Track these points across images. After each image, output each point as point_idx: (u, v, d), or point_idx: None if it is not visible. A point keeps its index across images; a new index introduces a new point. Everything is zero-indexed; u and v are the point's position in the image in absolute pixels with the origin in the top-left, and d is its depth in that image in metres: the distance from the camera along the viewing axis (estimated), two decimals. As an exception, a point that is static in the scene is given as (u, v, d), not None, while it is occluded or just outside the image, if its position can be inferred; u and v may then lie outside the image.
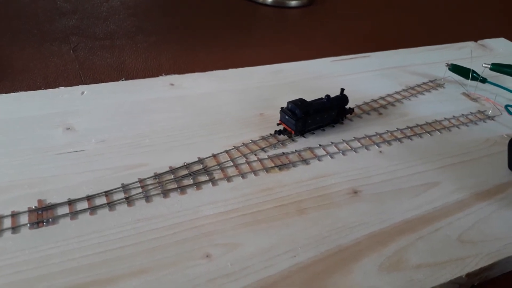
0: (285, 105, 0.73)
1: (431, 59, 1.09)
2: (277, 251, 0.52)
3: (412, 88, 0.94)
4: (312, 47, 1.21)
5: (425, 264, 0.52)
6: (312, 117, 0.72)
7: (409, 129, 0.79)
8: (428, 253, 0.54)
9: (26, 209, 0.54)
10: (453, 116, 0.84)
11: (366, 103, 0.86)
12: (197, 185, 0.61)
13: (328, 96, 0.74)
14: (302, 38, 1.28)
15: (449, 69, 0.97)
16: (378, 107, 0.85)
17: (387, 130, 0.78)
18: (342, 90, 0.77)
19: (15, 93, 0.79)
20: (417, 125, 0.80)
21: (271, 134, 0.73)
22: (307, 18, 1.47)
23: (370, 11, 1.60)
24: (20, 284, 0.45)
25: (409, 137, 0.77)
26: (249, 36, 1.26)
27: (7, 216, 0.53)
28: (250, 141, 0.71)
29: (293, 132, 0.72)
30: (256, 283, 0.47)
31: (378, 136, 0.76)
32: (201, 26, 1.30)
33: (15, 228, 0.51)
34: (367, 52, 1.10)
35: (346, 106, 0.77)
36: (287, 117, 0.72)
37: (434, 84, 0.97)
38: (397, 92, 0.91)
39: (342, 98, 0.76)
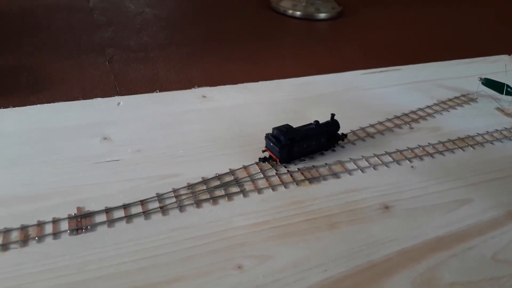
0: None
1: (464, 73, 1.07)
2: (308, 265, 0.52)
3: (444, 102, 0.93)
4: (341, 60, 1.22)
5: (459, 283, 0.51)
6: (299, 144, 0.67)
7: (441, 144, 0.78)
8: (461, 272, 0.53)
9: (66, 216, 0.56)
10: (487, 131, 0.83)
11: (397, 117, 0.85)
12: (229, 196, 0.62)
13: (317, 121, 0.70)
14: (331, 50, 1.29)
15: (482, 83, 0.95)
16: (409, 121, 0.84)
17: (418, 145, 0.77)
18: (333, 115, 0.72)
19: (55, 103, 0.82)
20: (450, 140, 0.79)
21: (256, 163, 0.69)
22: (336, 31, 1.48)
23: (400, 23, 1.59)
24: (62, 287, 0.47)
25: (441, 152, 0.76)
26: (278, 48, 1.28)
27: (48, 222, 0.55)
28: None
29: (277, 160, 0.68)
30: (288, 296, 0.48)
31: (409, 150, 0.75)
32: (231, 39, 1.33)
33: (56, 234, 0.53)
34: (398, 65, 1.10)
35: (338, 132, 0.73)
36: (271, 144, 0.67)
37: (467, 99, 0.95)
38: (428, 106, 0.91)
39: (333, 123, 0.71)
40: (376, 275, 0.51)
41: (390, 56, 1.26)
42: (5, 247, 0.51)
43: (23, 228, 0.54)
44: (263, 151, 0.70)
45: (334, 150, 0.73)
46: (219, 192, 0.63)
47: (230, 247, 0.54)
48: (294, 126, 0.69)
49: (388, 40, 1.40)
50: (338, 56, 1.25)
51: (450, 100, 0.94)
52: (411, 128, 0.83)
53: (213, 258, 0.52)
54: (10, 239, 0.52)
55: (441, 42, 1.42)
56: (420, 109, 0.89)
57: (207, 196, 0.62)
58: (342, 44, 1.35)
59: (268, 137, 0.68)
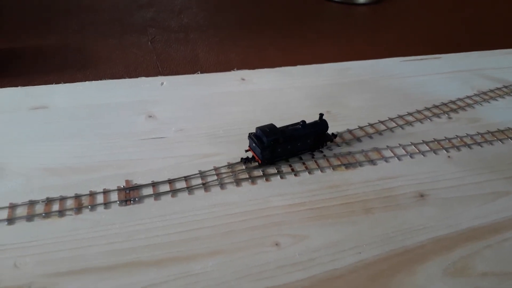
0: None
1: (506, 63, 1.05)
2: (343, 247, 0.54)
3: (485, 93, 0.92)
4: (380, 45, 1.21)
5: (492, 273, 0.52)
6: (282, 145, 0.64)
7: (480, 136, 0.77)
8: (495, 262, 0.54)
9: (116, 188, 0.60)
10: (529, 124, 0.82)
11: (436, 106, 0.85)
12: (267, 177, 0.64)
13: (304, 122, 0.66)
14: (370, 35, 1.28)
15: (526, 75, 0.93)
16: (448, 111, 0.84)
17: (456, 135, 0.77)
18: (321, 115, 0.68)
19: (102, 80, 0.86)
20: (488, 132, 0.78)
21: (240, 161, 0.66)
22: (375, 15, 1.46)
23: (442, 9, 1.55)
24: (113, 253, 0.51)
25: (479, 144, 0.75)
26: (316, 32, 1.28)
27: (99, 192, 0.59)
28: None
29: (259, 161, 0.65)
30: (323, 274, 0.50)
31: (447, 140, 0.75)
32: (269, 22, 1.33)
33: (106, 204, 0.57)
34: (438, 54, 1.08)
35: (327, 132, 0.69)
36: (254, 144, 0.64)
37: (509, 90, 0.93)
38: (468, 97, 0.90)
39: (321, 124, 0.68)
40: (409, 261, 0.53)
41: (430, 44, 1.24)
42: (61, 213, 0.56)
43: (77, 197, 0.58)
44: (246, 151, 0.66)
45: (322, 151, 0.70)
46: (257, 173, 0.65)
47: (268, 225, 0.56)
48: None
49: (428, 27, 1.37)
50: (377, 42, 1.24)
51: (491, 91, 0.93)
52: (450, 118, 0.82)
53: (251, 235, 0.55)
54: (65, 207, 0.57)
55: (484, 30, 1.38)
56: (460, 99, 0.88)
57: (246, 175, 0.64)
58: (381, 30, 1.33)
59: (250, 136, 0.64)
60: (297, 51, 1.14)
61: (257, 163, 0.66)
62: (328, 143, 0.71)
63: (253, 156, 0.65)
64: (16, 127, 0.72)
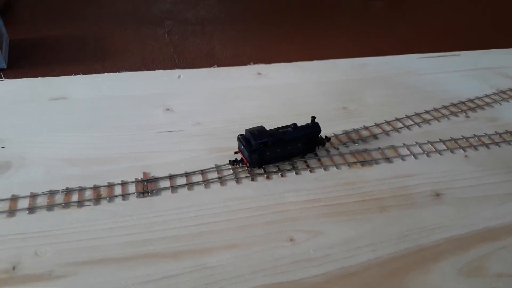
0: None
1: (528, 62, 1.03)
2: (357, 244, 0.54)
3: (504, 92, 0.90)
4: (397, 41, 1.20)
5: (507, 274, 0.52)
6: (271, 149, 0.62)
7: (498, 135, 0.76)
8: (511, 263, 0.53)
9: (134, 180, 0.61)
10: (548, 125, 0.80)
11: (453, 105, 0.84)
12: (282, 172, 0.65)
13: (295, 124, 0.64)
14: (388, 30, 1.27)
15: (548, 74, 0.91)
16: (466, 110, 0.83)
17: (474, 135, 0.76)
18: (313, 118, 0.65)
19: (121, 72, 0.87)
20: (507, 132, 0.77)
21: (228, 162, 0.64)
22: (393, 10, 1.44)
23: (462, 5, 1.53)
24: (130, 244, 0.52)
25: (497, 144, 0.75)
26: (332, 26, 1.27)
27: (117, 184, 0.60)
28: (332, 135, 0.73)
29: (247, 164, 0.63)
30: (337, 271, 0.50)
31: (464, 139, 0.75)
32: (285, 15, 1.33)
33: (124, 196, 0.58)
34: (457, 50, 1.07)
35: (320, 136, 0.67)
36: (242, 147, 0.62)
37: (529, 89, 0.92)
38: (487, 95, 0.88)
39: (313, 126, 0.65)
40: (424, 259, 0.53)
41: (448, 40, 1.22)
42: (80, 204, 0.57)
43: (96, 188, 0.59)
44: (235, 153, 0.65)
45: (317, 154, 0.68)
46: (273, 168, 0.65)
47: (283, 220, 0.57)
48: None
49: (447, 23, 1.36)
50: (395, 37, 1.23)
51: (510, 90, 0.91)
52: (467, 116, 0.82)
53: (267, 229, 0.55)
54: (84, 197, 0.58)
55: (506, 27, 1.36)
56: (478, 98, 0.87)
57: (261, 170, 0.64)
58: (399, 25, 1.32)
59: (239, 139, 0.62)
60: (314, 46, 1.14)
61: (245, 166, 0.64)
62: (336, 144, 0.71)
63: (241, 158, 0.64)
64: (36, 117, 0.73)
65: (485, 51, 1.08)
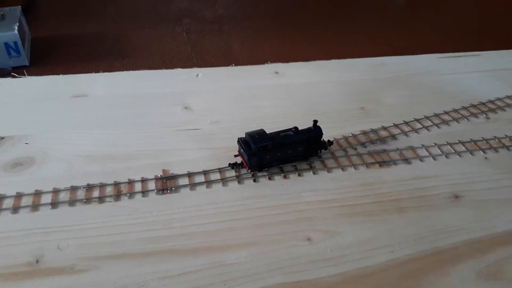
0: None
1: (551, 63, 1.01)
2: (374, 245, 0.54)
3: (526, 93, 0.89)
4: (416, 40, 1.18)
5: (527, 279, 0.51)
6: (271, 152, 0.61)
7: (519, 137, 0.75)
8: (531, 268, 0.53)
9: (153, 177, 0.62)
10: None
11: (473, 106, 0.83)
12: (299, 172, 0.65)
13: (296, 128, 0.63)
14: (406, 29, 1.25)
15: None
16: (486, 111, 0.82)
17: (494, 136, 0.75)
18: (315, 122, 0.65)
19: (140, 71, 0.88)
20: (529, 134, 0.76)
21: (228, 166, 0.64)
22: (412, 9, 1.42)
23: (484, 5, 1.50)
24: (150, 240, 0.53)
25: (518, 146, 0.74)
26: (350, 25, 1.26)
27: (137, 181, 0.61)
28: (350, 135, 0.73)
29: (247, 168, 0.63)
30: (354, 271, 0.51)
31: (484, 141, 0.74)
32: (302, 14, 1.33)
33: (144, 192, 0.59)
34: (477, 51, 1.05)
35: (322, 139, 0.66)
36: (242, 150, 0.61)
37: (552, 91, 0.90)
38: (508, 97, 0.87)
39: (314, 130, 0.64)
40: (442, 262, 0.53)
41: (469, 40, 1.20)
42: (101, 199, 0.58)
43: (116, 184, 0.60)
44: (235, 156, 0.65)
45: (320, 157, 0.67)
46: (290, 168, 0.66)
47: (300, 220, 0.57)
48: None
49: (468, 22, 1.34)
50: (413, 36, 1.22)
51: (533, 91, 0.90)
52: (488, 118, 0.81)
53: (284, 228, 0.56)
54: (105, 193, 0.59)
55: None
56: (499, 99, 0.86)
57: (278, 170, 0.65)
58: (418, 24, 1.31)
59: (239, 142, 0.62)
60: (332, 45, 1.13)
61: (245, 170, 0.63)
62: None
63: (241, 161, 0.63)
64: (58, 114, 0.75)
65: (506, 52, 1.06)
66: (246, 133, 0.61)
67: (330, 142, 0.68)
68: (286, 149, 0.63)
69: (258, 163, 0.62)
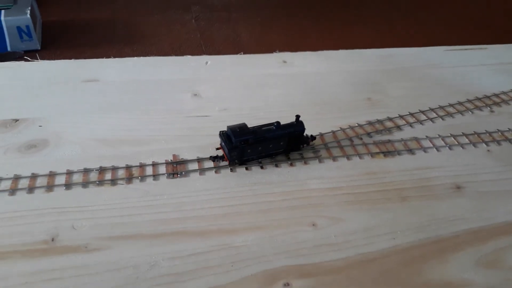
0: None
1: (557, 57, 1.02)
2: (377, 232, 0.56)
3: (531, 87, 0.90)
4: (424, 32, 1.19)
5: (524, 267, 0.53)
6: (252, 146, 0.61)
7: (522, 131, 0.77)
8: (528, 257, 0.54)
9: (164, 161, 0.63)
10: None
11: (478, 99, 0.84)
12: (305, 160, 0.66)
13: (278, 123, 0.63)
14: (414, 21, 1.26)
15: None
16: (490, 104, 0.83)
17: (498, 129, 0.76)
18: (298, 117, 0.65)
19: (150, 57, 0.89)
20: (532, 128, 0.78)
21: (209, 158, 0.64)
22: (419, 1, 1.42)
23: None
24: (161, 222, 0.55)
25: (521, 139, 0.75)
26: (358, 15, 1.27)
27: (149, 165, 0.63)
28: (356, 125, 0.74)
29: (228, 161, 0.63)
30: (357, 256, 0.52)
31: (487, 134, 0.75)
32: (310, 3, 1.33)
33: (155, 176, 0.61)
34: (484, 44, 1.06)
35: (305, 134, 0.66)
36: (223, 143, 0.62)
37: (557, 86, 0.91)
38: (513, 90, 0.88)
39: (297, 125, 0.64)
40: (442, 250, 0.54)
41: (475, 33, 1.21)
42: (113, 182, 0.60)
43: (128, 168, 0.62)
44: (217, 149, 0.65)
45: (301, 153, 0.68)
46: (297, 155, 0.67)
47: (305, 206, 0.59)
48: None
49: (475, 15, 1.33)
50: (420, 28, 1.22)
51: (538, 85, 0.90)
52: (492, 111, 0.82)
53: (290, 214, 0.58)
54: (117, 176, 0.61)
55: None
56: (504, 93, 0.87)
57: (284, 157, 0.66)
58: (426, 16, 1.31)
59: (221, 135, 0.62)
60: (339, 35, 1.14)
61: (226, 163, 0.64)
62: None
63: (223, 154, 0.64)
64: (70, 98, 0.76)
65: (513, 45, 1.07)
66: (228, 127, 0.61)
67: (312, 137, 0.68)
68: (267, 144, 0.63)
69: (238, 156, 0.62)
